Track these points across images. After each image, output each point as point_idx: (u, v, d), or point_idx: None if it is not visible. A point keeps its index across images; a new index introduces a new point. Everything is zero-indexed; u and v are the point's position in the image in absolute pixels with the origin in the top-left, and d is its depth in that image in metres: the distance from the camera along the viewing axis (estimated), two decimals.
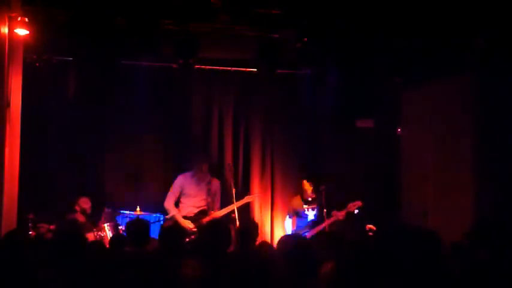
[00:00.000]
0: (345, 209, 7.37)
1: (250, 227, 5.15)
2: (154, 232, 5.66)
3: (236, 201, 7.28)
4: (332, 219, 7.33)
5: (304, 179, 7.75)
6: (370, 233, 7.13)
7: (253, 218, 8.49)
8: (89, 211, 7.51)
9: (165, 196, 7.43)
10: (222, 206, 7.42)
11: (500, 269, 3.59)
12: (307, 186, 7.61)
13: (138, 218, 7.36)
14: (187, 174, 7.32)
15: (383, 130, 8.86)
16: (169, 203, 7.28)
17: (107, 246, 7.09)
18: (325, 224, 7.31)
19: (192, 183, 7.26)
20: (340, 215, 7.34)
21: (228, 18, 6.90)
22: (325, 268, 3.31)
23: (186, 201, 7.25)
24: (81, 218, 7.45)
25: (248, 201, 7.85)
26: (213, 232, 4.24)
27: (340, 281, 3.18)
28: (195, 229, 7.03)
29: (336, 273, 3.17)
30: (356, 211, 7.37)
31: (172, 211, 7.21)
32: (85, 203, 7.51)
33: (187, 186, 7.25)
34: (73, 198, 7.53)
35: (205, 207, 7.24)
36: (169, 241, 4.35)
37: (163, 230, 4.64)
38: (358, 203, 7.37)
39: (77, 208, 7.50)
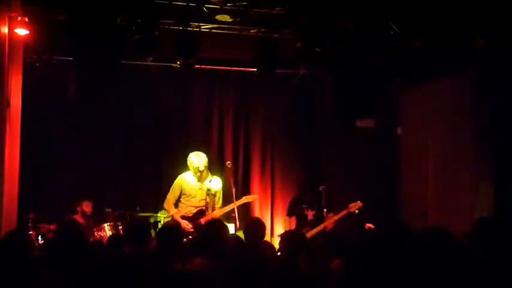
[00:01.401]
0: (346, 209, 7.35)
1: (256, 225, 5.12)
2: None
3: (236, 200, 7.25)
4: (331, 220, 7.31)
5: (303, 180, 7.74)
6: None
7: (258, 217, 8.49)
8: (89, 214, 7.54)
9: (165, 196, 7.41)
10: (223, 205, 7.40)
11: (500, 269, 3.58)
12: (305, 188, 7.60)
13: (137, 217, 7.37)
14: (188, 174, 7.28)
15: (383, 130, 8.86)
16: (167, 204, 7.23)
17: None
18: (325, 224, 7.31)
19: (192, 183, 7.21)
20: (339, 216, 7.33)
21: (228, 18, 6.90)
22: (333, 265, 3.31)
23: (186, 201, 7.20)
24: (81, 220, 7.46)
25: (247, 201, 7.82)
26: (212, 232, 4.24)
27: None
28: (192, 229, 7.01)
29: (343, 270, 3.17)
30: (356, 211, 7.35)
31: (171, 211, 7.18)
32: (87, 206, 7.54)
33: (187, 187, 7.20)
34: (76, 199, 7.53)
35: (204, 207, 7.21)
36: (167, 240, 4.34)
37: (162, 230, 4.62)
38: (359, 204, 7.34)
39: (79, 209, 7.52)
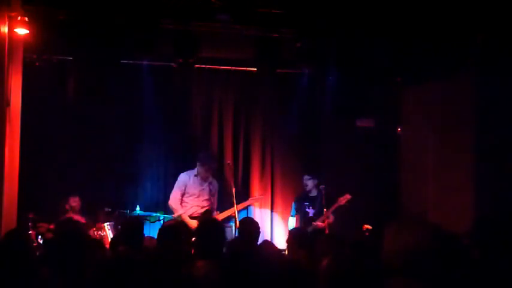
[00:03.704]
0: (336, 203, 7.46)
1: (251, 225, 5.13)
2: (154, 231, 5.63)
3: (237, 200, 7.26)
4: (324, 216, 7.41)
5: (306, 174, 7.78)
6: (367, 233, 7.20)
7: (254, 218, 8.51)
8: (77, 208, 7.54)
9: (165, 195, 7.41)
10: (223, 206, 7.40)
11: (499, 269, 3.58)
12: (308, 181, 7.66)
13: (131, 216, 7.37)
14: (190, 173, 7.25)
15: (383, 130, 8.86)
16: (174, 202, 7.15)
17: (108, 245, 7.12)
18: (324, 224, 7.40)
19: (195, 183, 7.19)
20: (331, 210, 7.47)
21: (228, 18, 6.90)
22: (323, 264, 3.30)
23: (190, 201, 7.17)
24: (76, 217, 7.46)
25: (252, 203, 7.85)
26: (209, 231, 4.23)
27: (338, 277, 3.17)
28: None
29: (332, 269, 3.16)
30: (347, 204, 7.47)
31: (179, 210, 7.10)
32: (74, 201, 7.54)
33: (191, 186, 7.18)
34: (63, 198, 7.56)
35: (209, 207, 7.21)
36: (168, 240, 4.33)
37: (163, 229, 4.61)
38: (348, 196, 7.49)
39: (67, 207, 7.52)
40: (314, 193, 7.66)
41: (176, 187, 7.21)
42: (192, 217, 7.08)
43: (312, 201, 7.65)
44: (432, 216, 7.64)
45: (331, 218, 7.50)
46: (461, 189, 7.27)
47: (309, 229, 7.45)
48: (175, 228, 4.48)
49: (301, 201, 7.76)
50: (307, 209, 7.67)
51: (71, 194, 7.56)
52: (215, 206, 7.36)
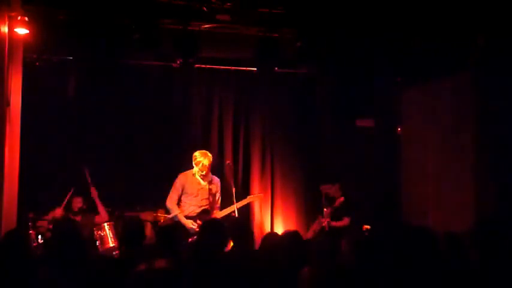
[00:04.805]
0: (333, 205, 7.51)
1: (242, 228, 5.08)
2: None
3: (237, 200, 7.26)
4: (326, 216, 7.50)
5: (328, 183, 7.83)
6: (366, 233, 7.22)
7: (252, 219, 8.53)
8: (75, 209, 7.54)
9: (165, 195, 7.40)
10: (223, 206, 7.39)
11: (499, 269, 3.59)
12: (331, 189, 7.74)
13: (132, 217, 7.36)
14: (189, 173, 7.25)
15: (383, 129, 8.86)
16: (171, 203, 7.16)
17: (109, 245, 7.15)
18: (324, 224, 7.45)
19: (194, 182, 7.17)
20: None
21: (228, 18, 6.91)
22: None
23: (188, 201, 7.15)
24: (76, 217, 7.46)
25: (250, 201, 7.84)
26: (211, 232, 4.23)
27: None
28: (198, 229, 6.95)
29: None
30: (339, 206, 7.60)
31: (175, 211, 7.10)
32: (75, 203, 7.53)
33: (189, 185, 7.15)
34: (66, 197, 7.56)
35: (208, 206, 7.17)
36: (167, 240, 4.34)
37: (162, 229, 4.62)
38: (341, 199, 7.61)
39: (80, 205, 7.53)
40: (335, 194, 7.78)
41: (173, 188, 7.20)
42: (188, 217, 7.06)
43: (329, 201, 7.71)
44: (432, 216, 7.65)
45: (347, 220, 7.58)
46: (461, 189, 7.26)
47: (319, 228, 7.56)
48: (170, 229, 4.49)
49: (321, 200, 7.84)
50: (324, 208, 7.73)
51: (76, 194, 7.56)
52: (218, 205, 7.31)
